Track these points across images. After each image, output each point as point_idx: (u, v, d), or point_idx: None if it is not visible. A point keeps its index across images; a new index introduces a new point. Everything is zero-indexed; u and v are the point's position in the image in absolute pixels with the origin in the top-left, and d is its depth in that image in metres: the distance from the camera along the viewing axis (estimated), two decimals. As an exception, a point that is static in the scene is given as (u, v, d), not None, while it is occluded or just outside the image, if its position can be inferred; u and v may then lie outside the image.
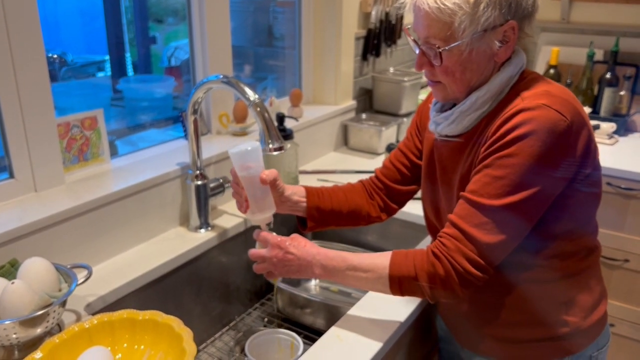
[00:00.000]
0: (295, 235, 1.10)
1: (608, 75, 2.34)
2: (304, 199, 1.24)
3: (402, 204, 1.34)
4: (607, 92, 2.34)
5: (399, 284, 1.02)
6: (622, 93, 2.36)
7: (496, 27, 0.96)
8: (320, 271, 1.07)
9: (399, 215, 1.69)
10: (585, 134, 0.97)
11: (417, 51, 1.04)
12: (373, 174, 1.34)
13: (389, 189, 1.30)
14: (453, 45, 0.97)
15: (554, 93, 0.96)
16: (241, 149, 1.07)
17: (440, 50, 0.98)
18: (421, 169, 1.25)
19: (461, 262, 0.96)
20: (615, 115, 2.36)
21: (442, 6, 0.94)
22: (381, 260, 1.04)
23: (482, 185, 0.97)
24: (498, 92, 1.02)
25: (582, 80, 2.41)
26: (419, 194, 1.74)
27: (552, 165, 0.94)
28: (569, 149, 0.95)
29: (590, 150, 0.99)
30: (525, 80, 1.02)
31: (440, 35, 0.97)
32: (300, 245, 1.08)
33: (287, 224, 1.72)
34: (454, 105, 1.08)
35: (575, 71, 2.50)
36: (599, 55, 2.50)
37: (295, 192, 1.23)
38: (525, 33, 1.01)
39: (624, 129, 2.32)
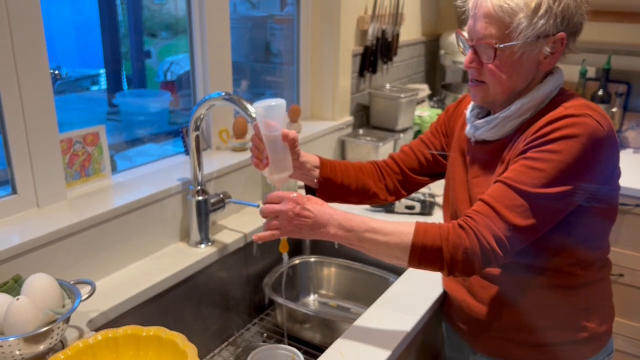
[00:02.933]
0: (311, 196, 1.09)
1: (600, 92, 2.39)
2: (317, 169, 1.25)
3: (409, 192, 1.36)
4: (600, 109, 2.38)
5: (420, 252, 1.01)
6: (614, 110, 2.40)
7: (548, 35, 1.02)
8: (336, 230, 1.03)
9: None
10: (616, 152, 1.04)
11: (469, 51, 1.08)
12: (387, 157, 1.36)
13: (405, 175, 1.32)
14: (508, 44, 1.02)
15: (593, 107, 1.04)
16: (265, 104, 1.06)
17: (495, 46, 1.02)
18: (437, 166, 1.30)
19: (487, 237, 0.98)
20: (607, 132, 2.39)
21: (504, 5, 0.99)
22: (404, 227, 1.03)
23: (518, 174, 1.01)
24: (540, 101, 1.08)
25: (574, 96, 2.45)
26: (417, 209, 1.77)
27: (586, 170, 0.99)
28: (602, 159, 1.01)
29: (616, 169, 1.07)
30: (565, 94, 1.09)
31: (498, 33, 1.02)
32: (318, 204, 1.06)
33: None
34: (489, 112, 1.14)
35: (568, 88, 2.53)
36: (591, 72, 2.54)
37: (309, 161, 1.24)
38: (569, 48, 1.07)
39: (616, 145, 2.35)
